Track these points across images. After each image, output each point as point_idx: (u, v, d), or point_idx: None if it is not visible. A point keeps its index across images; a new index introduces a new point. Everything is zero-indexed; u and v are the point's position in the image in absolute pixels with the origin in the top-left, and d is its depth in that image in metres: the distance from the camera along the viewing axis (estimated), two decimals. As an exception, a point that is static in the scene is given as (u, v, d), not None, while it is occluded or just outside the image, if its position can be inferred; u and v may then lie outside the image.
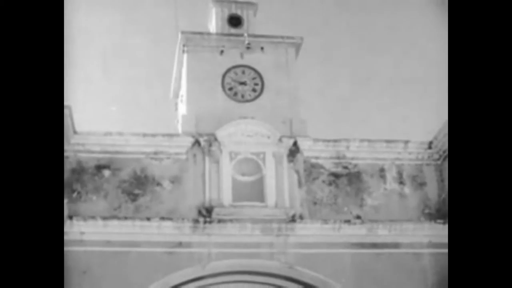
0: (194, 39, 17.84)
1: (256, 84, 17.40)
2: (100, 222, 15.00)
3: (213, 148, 16.08)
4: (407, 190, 16.46)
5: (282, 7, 28.59)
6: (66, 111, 14.77)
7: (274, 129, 16.36)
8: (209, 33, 18.59)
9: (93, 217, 15.03)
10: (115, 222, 15.07)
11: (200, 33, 18.15)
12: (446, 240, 14.80)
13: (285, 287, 16.19)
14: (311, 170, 16.39)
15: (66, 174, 15.31)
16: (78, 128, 15.86)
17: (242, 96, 17.25)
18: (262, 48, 17.84)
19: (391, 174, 16.56)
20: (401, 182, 16.51)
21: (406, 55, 29.64)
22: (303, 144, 16.47)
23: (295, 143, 16.44)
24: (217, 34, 18.37)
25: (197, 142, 16.22)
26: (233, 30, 18.61)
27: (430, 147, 16.75)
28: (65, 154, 15.34)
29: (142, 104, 29.86)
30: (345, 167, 16.52)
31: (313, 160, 16.48)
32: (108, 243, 14.95)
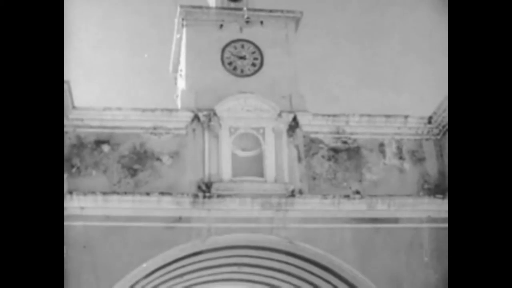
0: (193, 13, 17.73)
1: (255, 59, 17.34)
2: (99, 197, 15.03)
3: (213, 123, 16.05)
4: (406, 165, 16.46)
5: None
6: (65, 86, 14.73)
7: (274, 104, 16.31)
8: (208, 7, 18.48)
9: (92, 192, 15.06)
10: (114, 197, 15.10)
11: (199, 7, 18.04)
12: (445, 215, 14.94)
13: (284, 261, 16.26)
14: (311, 145, 16.38)
15: (66, 149, 15.31)
16: (76, 103, 15.83)
17: (242, 70, 17.19)
18: (261, 22, 17.74)
19: (390, 149, 16.54)
20: (401, 157, 16.50)
21: (407, 29, 29.56)
22: (303, 119, 16.44)
23: (294, 118, 16.41)
24: (216, 8, 18.26)
25: (196, 117, 16.19)
26: (233, 4, 18.51)
27: (430, 122, 16.72)
28: (64, 129, 15.31)
29: (141, 78, 29.83)
30: (345, 142, 16.50)
31: (313, 135, 16.46)
32: (108, 218, 14.99)
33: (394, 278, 15.27)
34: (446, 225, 14.21)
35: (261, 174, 15.85)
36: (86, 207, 14.95)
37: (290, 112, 16.45)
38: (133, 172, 15.65)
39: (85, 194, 14.99)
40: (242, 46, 17.44)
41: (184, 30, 17.68)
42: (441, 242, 15.23)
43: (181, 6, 17.78)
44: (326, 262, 15.59)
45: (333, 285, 16.15)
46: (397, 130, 16.70)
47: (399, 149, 16.58)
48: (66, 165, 15.14)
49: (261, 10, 18.00)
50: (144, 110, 16.20)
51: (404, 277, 15.30)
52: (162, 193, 15.26)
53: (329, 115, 16.63)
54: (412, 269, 15.36)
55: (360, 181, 16.13)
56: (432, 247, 15.47)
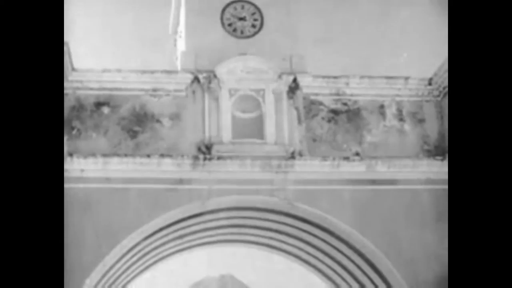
0: (192, -27, 17.56)
1: (255, 20, 17.21)
2: (100, 159, 15.05)
3: (213, 85, 16.01)
4: (406, 126, 16.43)
5: None
6: (64, 48, 14.66)
7: (274, 65, 16.25)
8: (208, -33, 18.28)
9: (93, 154, 15.08)
10: (115, 159, 15.12)
11: (199, -33, 17.85)
12: (444, 176, 14.98)
13: (284, 222, 16.33)
14: (311, 106, 16.35)
15: (65, 112, 15.29)
16: (76, 65, 15.77)
17: (242, 32, 17.08)
18: (261, -17, 17.58)
19: (390, 111, 16.51)
20: (401, 119, 16.47)
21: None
22: (303, 80, 16.38)
23: (294, 80, 16.34)
24: (216, -32, 18.07)
25: (196, 79, 16.14)
26: (232, -36, 18.31)
27: (430, 84, 16.65)
28: (64, 91, 15.27)
29: (141, 40, 29.66)
30: (345, 104, 16.46)
31: (313, 97, 16.41)
32: (108, 180, 15.04)
33: (393, 239, 15.36)
34: (445, 186, 14.25)
35: (261, 136, 15.86)
36: (86, 169, 14.99)
37: (290, 73, 16.38)
38: (133, 134, 15.66)
39: (85, 156, 15.02)
40: (242, 7, 17.31)
41: (183, -10, 17.54)
42: (440, 203, 15.28)
43: (181, -34, 17.64)
44: (326, 223, 15.67)
45: (332, 246, 16.25)
46: (398, 92, 16.63)
47: (399, 110, 16.55)
48: (65, 127, 15.14)
49: (260, -30, 17.81)
50: (143, 71, 16.15)
51: (403, 238, 15.37)
52: (162, 155, 15.29)
53: (329, 77, 16.57)
54: (411, 231, 15.42)
55: (360, 143, 16.13)
56: (431, 209, 15.54)
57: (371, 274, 15.93)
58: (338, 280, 17.37)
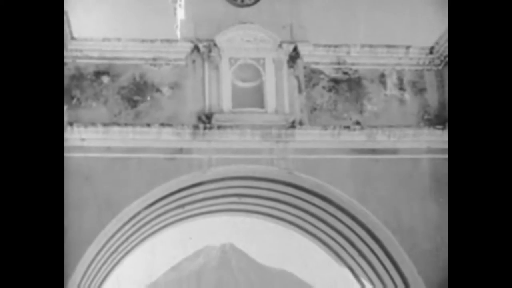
0: None
1: (256, -12, 17.10)
2: (100, 129, 15.06)
3: (213, 53, 15.95)
4: (407, 96, 16.40)
5: None
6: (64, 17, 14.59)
7: (274, 34, 16.17)
8: None
9: (93, 124, 15.08)
10: (115, 129, 15.13)
11: None
12: (444, 145, 15.00)
13: (284, 192, 16.38)
14: (311, 75, 16.30)
15: (65, 81, 15.26)
16: (75, 34, 15.72)
17: (242, 0, 16.97)
18: (261, -50, 17.42)
19: (391, 80, 16.46)
20: (401, 88, 16.43)
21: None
22: (303, 49, 16.30)
23: (295, 49, 16.27)
24: None
25: (196, 48, 16.08)
26: None
27: (431, 52, 16.58)
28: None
29: (141, 9, 29.59)
30: (345, 73, 16.41)
31: (313, 66, 16.35)
32: (109, 149, 15.06)
33: (393, 208, 15.39)
34: (446, 155, 14.28)
35: (261, 105, 15.83)
36: (87, 139, 15.00)
37: (291, 42, 16.30)
38: (133, 103, 15.65)
39: (85, 125, 15.03)
40: (243, -25, 17.18)
41: (183, -42, 17.39)
42: (440, 172, 15.30)
43: None
44: (326, 192, 15.71)
45: (332, 215, 16.31)
46: (398, 61, 16.56)
47: (400, 79, 16.50)
48: (65, 97, 15.11)
49: None
50: (143, 40, 16.09)
51: (403, 207, 15.42)
52: (162, 124, 15.29)
53: (330, 46, 16.49)
54: (411, 200, 15.45)
55: (360, 112, 16.10)
56: (432, 178, 15.55)
57: (371, 243, 16.00)
58: (338, 249, 17.47)
